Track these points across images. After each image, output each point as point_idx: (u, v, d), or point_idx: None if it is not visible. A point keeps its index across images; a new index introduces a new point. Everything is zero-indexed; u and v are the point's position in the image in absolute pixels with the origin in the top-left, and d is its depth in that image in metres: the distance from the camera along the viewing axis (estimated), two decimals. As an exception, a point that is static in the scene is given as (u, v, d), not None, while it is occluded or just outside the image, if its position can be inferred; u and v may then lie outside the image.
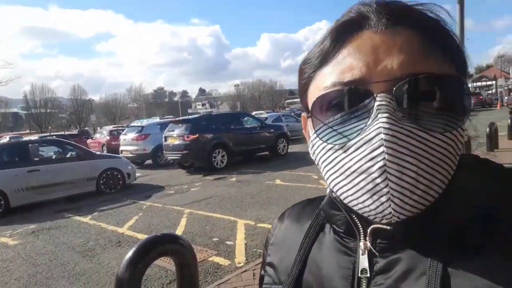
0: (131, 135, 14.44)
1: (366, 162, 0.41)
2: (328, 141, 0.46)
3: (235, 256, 4.43)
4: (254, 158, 12.72)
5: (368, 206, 0.43)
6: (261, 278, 0.64)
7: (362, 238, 0.49)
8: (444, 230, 0.43)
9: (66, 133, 29.80)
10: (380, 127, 0.41)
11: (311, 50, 0.51)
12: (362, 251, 0.49)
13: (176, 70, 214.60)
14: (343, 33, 0.47)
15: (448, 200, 0.44)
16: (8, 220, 7.28)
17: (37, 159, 8.84)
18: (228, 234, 5.27)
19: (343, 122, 0.44)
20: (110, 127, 23.78)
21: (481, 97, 37.36)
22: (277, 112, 33.76)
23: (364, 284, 0.47)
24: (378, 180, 0.41)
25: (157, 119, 25.98)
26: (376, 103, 0.42)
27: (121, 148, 14.65)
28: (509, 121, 12.04)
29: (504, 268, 0.39)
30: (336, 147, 0.45)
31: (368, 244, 0.48)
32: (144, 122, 19.96)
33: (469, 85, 0.48)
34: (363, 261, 0.48)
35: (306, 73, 0.51)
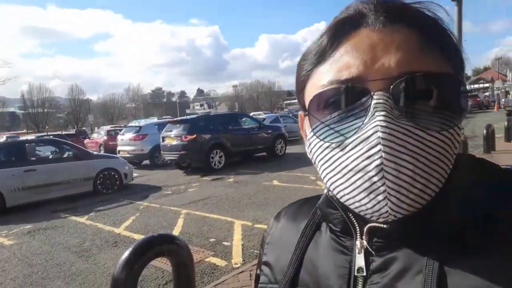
0: (129, 135, 14.41)
1: (363, 161, 0.41)
2: (325, 140, 0.46)
3: (232, 257, 4.43)
4: (251, 159, 12.71)
5: (365, 204, 0.43)
6: (257, 277, 0.63)
7: (358, 236, 0.49)
8: (441, 229, 0.43)
9: (64, 133, 29.71)
10: (377, 125, 0.40)
11: (310, 45, 0.51)
12: (359, 249, 0.49)
13: (174, 70, 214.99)
14: (340, 31, 0.47)
15: (444, 199, 0.44)
16: (4, 220, 7.23)
17: (34, 158, 8.80)
18: (225, 234, 5.27)
19: (340, 121, 0.44)
20: (108, 127, 23.71)
21: (478, 99, 37.50)
22: (275, 113, 33.79)
23: (360, 282, 0.47)
24: (375, 179, 0.41)
25: (155, 120, 25.90)
26: (373, 101, 0.42)
27: (119, 148, 14.62)
28: (506, 123, 12.10)
29: (504, 268, 0.38)
30: (333, 145, 0.45)
31: (365, 242, 0.48)
32: (142, 122, 19.89)
33: (466, 86, 0.48)
34: (360, 260, 0.48)
35: (304, 70, 0.51)
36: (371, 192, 0.41)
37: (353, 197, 0.44)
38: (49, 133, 27.14)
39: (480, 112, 30.98)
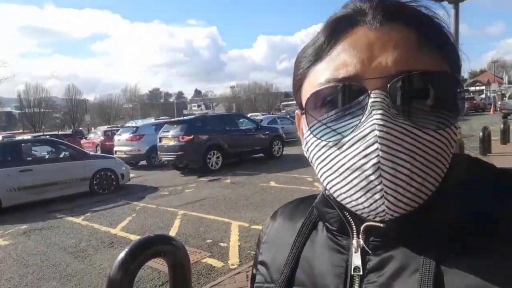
0: (126, 135, 14.37)
1: (360, 159, 0.41)
2: (322, 138, 0.45)
3: (228, 258, 4.42)
4: (249, 160, 12.72)
5: (362, 203, 0.43)
6: (253, 277, 0.63)
7: (355, 236, 0.49)
8: (438, 228, 0.43)
9: (60, 133, 29.53)
10: (374, 124, 0.40)
11: (307, 43, 0.51)
12: (355, 249, 0.48)
13: (172, 71, 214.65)
14: (338, 29, 0.47)
15: (441, 198, 0.44)
16: (-1, 220, 7.21)
17: (30, 158, 8.77)
18: (222, 235, 5.26)
19: (337, 119, 0.44)
20: (105, 128, 23.65)
21: (474, 101, 37.65)
22: (272, 114, 33.85)
23: (357, 282, 0.47)
24: (372, 177, 0.40)
25: (152, 120, 25.89)
26: (370, 100, 0.41)
27: (115, 148, 14.58)
28: (502, 125, 12.17)
29: (503, 268, 0.38)
30: (330, 144, 0.45)
31: (361, 242, 0.48)
32: (139, 122, 19.86)
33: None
34: (356, 259, 0.48)
35: (301, 69, 0.51)
36: (368, 191, 0.41)
37: (350, 195, 0.43)
38: (45, 133, 26.96)
39: (477, 115, 31.14)
